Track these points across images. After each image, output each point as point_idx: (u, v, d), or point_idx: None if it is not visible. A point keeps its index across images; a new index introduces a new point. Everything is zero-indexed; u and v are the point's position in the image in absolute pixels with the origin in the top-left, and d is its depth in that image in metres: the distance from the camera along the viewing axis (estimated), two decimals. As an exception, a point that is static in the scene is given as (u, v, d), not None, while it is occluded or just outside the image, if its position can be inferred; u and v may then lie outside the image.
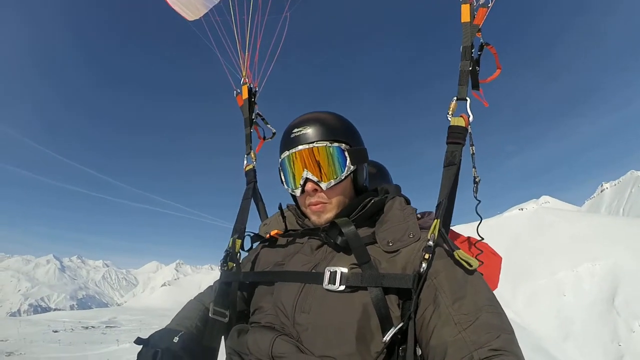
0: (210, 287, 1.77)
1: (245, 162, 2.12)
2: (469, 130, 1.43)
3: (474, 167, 1.46)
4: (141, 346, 1.37)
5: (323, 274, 1.26)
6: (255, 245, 1.73)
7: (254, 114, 2.22)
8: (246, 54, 2.24)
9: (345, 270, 1.24)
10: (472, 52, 1.53)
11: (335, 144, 1.42)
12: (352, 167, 1.43)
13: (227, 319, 1.52)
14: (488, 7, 1.56)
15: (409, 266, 1.23)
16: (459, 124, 1.43)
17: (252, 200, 1.98)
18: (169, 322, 1.59)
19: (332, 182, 1.41)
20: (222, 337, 1.54)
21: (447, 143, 1.43)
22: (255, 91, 2.28)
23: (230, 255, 1.66)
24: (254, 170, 2.07)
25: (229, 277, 1.58)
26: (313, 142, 1.42)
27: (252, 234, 1.70)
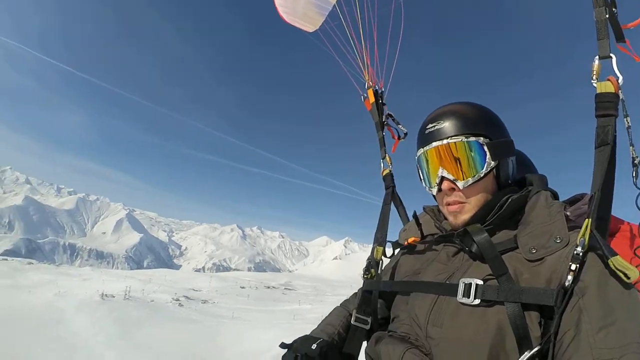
0: (354, 294, 1.91)
1: (382, 166, 2.19)
2: (621, 97, 1.22)
3: (631, 144, 1.24)
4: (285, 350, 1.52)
5: (457, 285, 1.23)
6: (396, 251, 1.79)
7: (384, 116, 2.27)
8: (364, 56, 2.31)
9: (480, 282, 1.20)
10: None
11: (472, 138, 1.36)
12: (492, 162, 1.36)
13: (368, 326, 1.64)
14: None
15: (554, 278, 1.12)
16: (608, 90, 1.21)
17: (393, 204, 2.05)
18: (316, 326, 1.78)
19: (470, 180, 1.36)
20: (365, 342, 1.64)
21: (597, 116, 1.22)
22: (382, 92, 2.33)
23: (371, 264, 1.77)
24: (391, 174, 2.13)
25: (369, 286, 1.69)
26: (448, 138, 1.38)
27: (392, 242, 1.78)
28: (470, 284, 1.20)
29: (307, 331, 1.71)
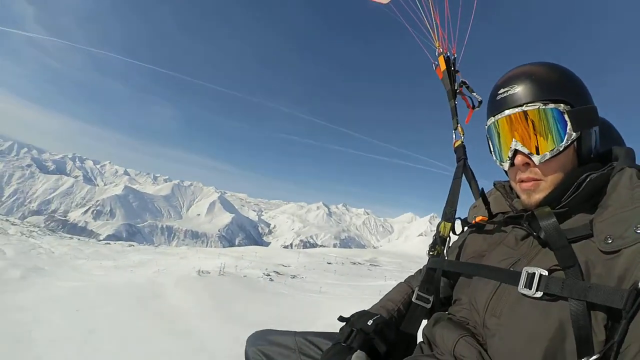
0: (419, 270, 1.83)
1: (453, 137, 2.10)
2: None
3: None
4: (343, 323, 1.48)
5: (520, 274, 1.12)
6: (465, 229, 1.68)
7: (456, 84, 2.16)
8: (434, 19, 2.20)
9: (545, 272, 1.07)
10: None
11: (551, 105, 1.19)
12: (574, 134, 1.19)
13: (429, 305, 1.58)
14: None
15: (628, 276, 0.93)
16: None
17: (465, 178, 1.95)
18: (378, 301, 1.74)
19: (548, 154, 1.20)
20: (425, 320, 1.57)
21: None
22: (454, 59, 2.21)
23: (437, 240, 1.68)
24: (463, 146, 2.04)
25: (433, 264, 1.62)
26: (522, 105, 1.22)
27: (461, 219, 1.68)
28: (534, 274, 1.08)
29: None
